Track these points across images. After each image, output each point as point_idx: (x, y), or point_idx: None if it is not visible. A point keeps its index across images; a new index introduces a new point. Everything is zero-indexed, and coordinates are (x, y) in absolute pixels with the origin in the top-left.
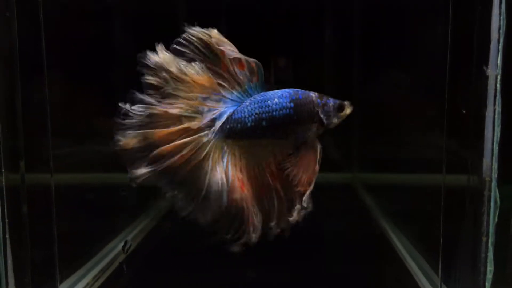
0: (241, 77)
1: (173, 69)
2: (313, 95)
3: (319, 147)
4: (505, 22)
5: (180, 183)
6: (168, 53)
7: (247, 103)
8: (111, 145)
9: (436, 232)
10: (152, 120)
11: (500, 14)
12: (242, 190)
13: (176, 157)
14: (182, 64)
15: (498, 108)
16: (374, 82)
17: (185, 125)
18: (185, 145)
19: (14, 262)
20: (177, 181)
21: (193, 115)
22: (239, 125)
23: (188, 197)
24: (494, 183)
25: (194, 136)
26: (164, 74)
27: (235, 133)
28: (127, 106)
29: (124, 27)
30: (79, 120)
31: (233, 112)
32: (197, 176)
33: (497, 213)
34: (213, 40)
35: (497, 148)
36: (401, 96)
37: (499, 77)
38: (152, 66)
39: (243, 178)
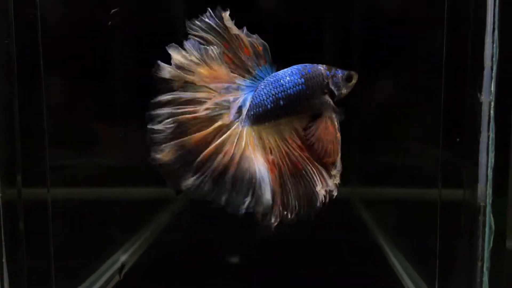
0: (249, 63)
1: (188, 75)
2: (322, 67)
3: (334, 115)
4: (498, 49)
5: (232, 181)
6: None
7: (262, 86)
8: (150, 162)
9: (432, 253)
10: (182, 129)
11: (493, 42)
12: (272, 172)
13: (220, 156)
14: (194, 63)
15: (492, 134)
16: (370, 103)
17: (219, 123)
18: (223, 142)
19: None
20: (228, 181)
21: (221, 111)
22: (260, 109)
23: (242, 194)
24: (488, 209)
25: (230, 131)
26: (179, 83)
27: (259, 117)
28: (155, 124)
29: (124, 38)
30: (78, 133)
31: (252, 97)
32: (246, 169)
33: (492, 238)
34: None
35: (491, 174)
36: (398, 121)
37: (492, 103)
38: (166, 78)
39: (272, 159)
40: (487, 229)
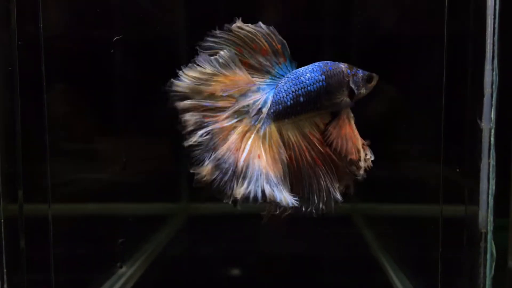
0: (267, 63)
1: (206, 86)
2: (343, 65)
3: (351, 116)
4: (497, 77)
5: (273, 182)
6: (193, 68)
7: (282, 84)
8: (194, 184)
9: (433, 274)
10: (214, 141)
11: (492, 69)
12: (291, 167)
13: (256, 161)
14: (209, 75)
15: (492, 162)
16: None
17: (241, 128)
18: (253, 147)
19: None
20: (272, 182)
21: (242, 116)
22: (280, 106)
23: (278, 190)
24: (490, 236)
25: (254, 134)
26: (198, 95)
27: (279, 114)
28: (193, 140)
29: (126, 52)
30: (79, 148)
31: (273, 95)
32: (277, 165)
33: (493, 266)
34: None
35: (492, 201)
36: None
37: (493, 130)
38: (184, 92)
39: (291, 155)
40: (488, 256)
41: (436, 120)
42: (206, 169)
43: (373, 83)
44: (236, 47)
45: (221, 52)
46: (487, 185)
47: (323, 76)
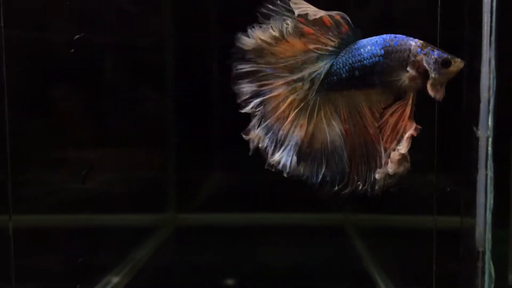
0: (330, 32)
1: (269, 49)
2: (413, 43)
3: (411, 101)
4: (495, 80)
5: (308, 154)
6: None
7: (342, 54)
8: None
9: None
10: (267, 110)
11: (489, 72)
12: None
13: (297, 130)
14: (275, 38)
15: (490, 173)
16: None
17: (292, 97)
18: (297, 116)
19: None
20: (305, 153)
21: (296, 85)
22: (335, 77)
23: (318, 164)
24: (488, 255)
25: (303, 104)
26: (259, 58)
27: (333, 86)
28: (249, 108)
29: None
30: (44, 155)
31: (331, 65)
32: (320, 140)
33: (492, 287)
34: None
35: (490, 216)
36: None
37: (490, 139)
38: (248, 49)
39: (347, 129)
40: (486, 277)
41: (429, 128)
42: (255, 136)
43: (451, 68)
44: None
45: (288, 20)
46: (485, 199)
47: (382, 51)
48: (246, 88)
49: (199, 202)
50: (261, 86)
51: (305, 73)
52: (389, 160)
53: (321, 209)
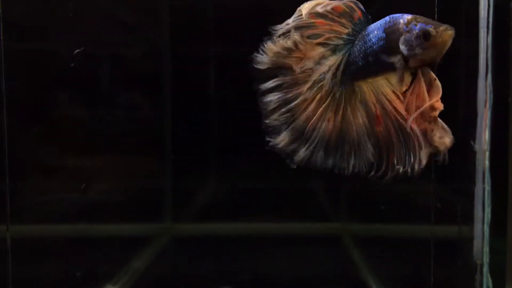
0: (343, 20)
1: (284, 59)
2: (402, 20)
3: (420, 77)
4: (492, 94)
5: (336, 146)
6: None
7: (356, 42)
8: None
9: None
10: (294, 114)
11: (486, 86)
12: (378, 126)
13: (324, 124)
14: (287, 48)
15: (488, 187)
16: None
17: (319, 95)
18: (325, 110)
19: None
20: (332, 146)
21: (320, 83)
22: (353, 66)
23: (346, 156)
24: (486, 268)
25: (329, 98)
26: (278, 70)
27: (354, 75)
28: (273, 118)
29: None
30: (54, 166)
31: (348, 55)
32: (347, 131)
33: None
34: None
35: (488, 230)
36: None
37: (487, 153)
38: (266, 66)
39: (378, 114)
40: None
41: None
42: (281, 140)
43: (434, 40)
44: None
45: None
46: (482, 212)
47: (384, 34)
48: (271, 98)
49: (196, 212)
50: (286, 94)
51: (326, 68)
52: (426, 141)
53: (318, 218)
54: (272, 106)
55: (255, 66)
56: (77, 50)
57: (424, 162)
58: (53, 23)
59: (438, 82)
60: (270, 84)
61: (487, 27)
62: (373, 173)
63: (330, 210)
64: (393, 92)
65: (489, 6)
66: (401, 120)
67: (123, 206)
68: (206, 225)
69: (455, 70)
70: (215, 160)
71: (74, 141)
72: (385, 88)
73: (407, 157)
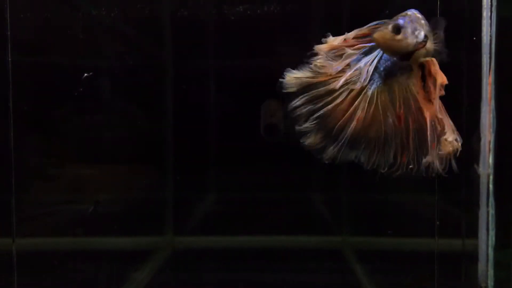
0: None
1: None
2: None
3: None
4: (496, 120)
5: (363, 144)
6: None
7: None
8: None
9: None
10: (325, 119)
11: (490, 111)
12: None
13: (354, 123)
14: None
15: (491, 210)
16: None
17: (352, 94)
18: (355, 109)
19: None
20: (359, 144)
21: (352, 84)
22: (389, 61)
23: (369, 152)
24: None
25: (360, 96)
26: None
27: (389, 72)
28: (305, 126)
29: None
30: (55, 178)
31: (381, 55)
32: (375, 130)
33: None
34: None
35: (492, 253)
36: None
37: (491, 176)
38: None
39: (403, 113)
40: None
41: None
42: (313, 140)
43: (401, 36)
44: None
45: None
46: (486, 236)
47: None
48: (303, 110)
49: (196, 225)
50: (317, 104)
51: (361, 64)
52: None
53: (319, 232)
54: (304, 117)
55: (284, 89)
56: (85, 75)
57: (426, 163)
58: (56, 38)
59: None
60: (300, 100)
61: (490, 53)
62: (386, 169)
63: (331, 223)
64: (416, 91)
65: (491, 33)
66: (423, 121)
67: (124, 219)
68: (208, 238)
69: (459, 95)
70: (216, 172)
71: (75, 153)
72: (411, 87)
73: (421, 158)
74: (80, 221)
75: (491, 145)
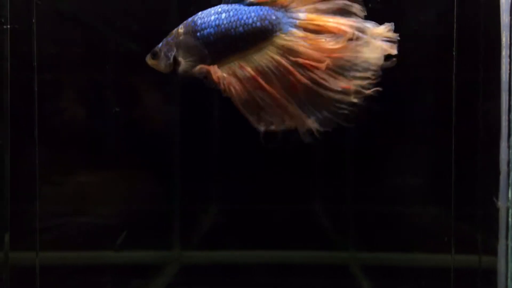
0: None
1: None
2: None
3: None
4: None
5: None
6: None
7: None
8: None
9: None
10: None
11: (509, 147)
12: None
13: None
14: None
15: (510, 244)
16: None
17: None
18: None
19: None
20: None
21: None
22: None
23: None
24: None
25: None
26: None
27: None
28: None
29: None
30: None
31: None
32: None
33: None
34: None
35: (511, 285)
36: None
37: (510, 210)
38: None
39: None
40: None
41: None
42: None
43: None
44: None
45: None
46: (505, 268)
47: None
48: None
49: (204, 239)
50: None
51: None
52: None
53: (325, 247)
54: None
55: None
56: (115, 109)
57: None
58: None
59: None
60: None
61: (509, 90)
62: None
63: (337, 237)
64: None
65: (510, 71)
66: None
67: (130, 233)
68: (216, 253)
69: (477, 131)
70: (224, 185)
71: (79, 164)
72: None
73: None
74: (85, 235)
75: (510, 179)
